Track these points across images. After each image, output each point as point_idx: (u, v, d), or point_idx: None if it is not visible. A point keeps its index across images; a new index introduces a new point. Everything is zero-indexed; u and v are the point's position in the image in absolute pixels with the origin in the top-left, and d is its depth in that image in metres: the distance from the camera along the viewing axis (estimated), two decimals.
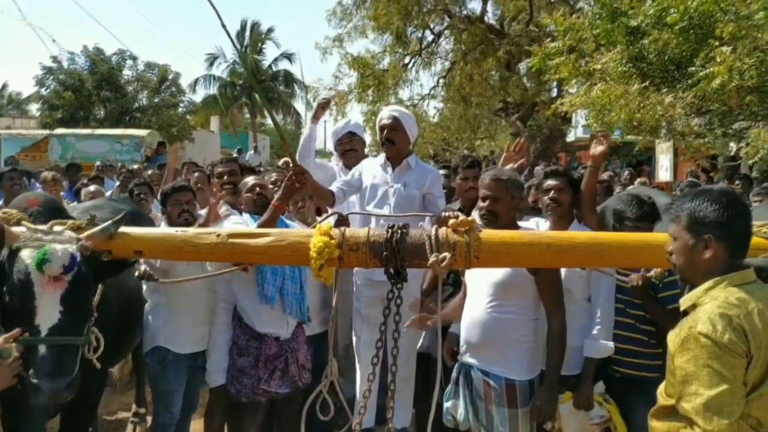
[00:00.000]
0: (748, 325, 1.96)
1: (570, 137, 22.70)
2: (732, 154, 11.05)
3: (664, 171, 14.30)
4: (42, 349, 2.56)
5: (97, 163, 12.12)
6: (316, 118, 5.19)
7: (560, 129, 19.39)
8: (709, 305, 2.04)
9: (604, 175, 10.57)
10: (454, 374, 3.49)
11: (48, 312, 2.60)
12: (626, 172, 11.91)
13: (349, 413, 3.65)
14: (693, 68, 7.18)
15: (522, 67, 19.35)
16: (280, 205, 3.71)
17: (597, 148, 3.81)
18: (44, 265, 2.57)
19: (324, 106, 5.32)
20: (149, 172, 8.56)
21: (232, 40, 3.47)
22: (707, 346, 1.95)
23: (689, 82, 7.38)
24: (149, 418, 4.95)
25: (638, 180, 10.33)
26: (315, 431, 4.10)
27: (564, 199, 3.65)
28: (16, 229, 2.80)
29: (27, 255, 2.63)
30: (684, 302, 2.18)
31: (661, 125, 8.46)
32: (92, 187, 6.87)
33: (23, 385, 2.53)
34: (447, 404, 3.47)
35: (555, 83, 15.41)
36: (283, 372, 3.92)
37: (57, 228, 2.82)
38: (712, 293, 2.08)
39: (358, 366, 4.34)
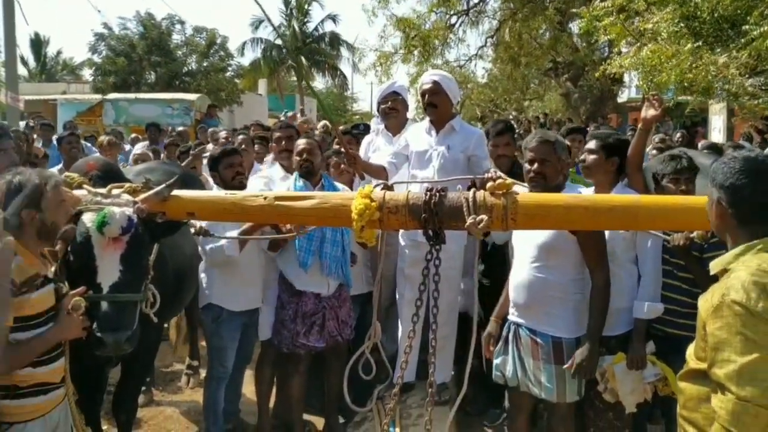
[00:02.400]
0: None
1: (622, 98, 22.16)
2: None
3: (717, 132, 13.92)
4: (104, 305, 2.76)
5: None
6: None
7: (611, 90, 18.95)
8: (742, 272, 2.03)
9: (656, 138, 10.35)
10: (503, 332, 3.61)
11: (108, 271, 2.80)
12: (678, 134, 11.62)
13: (390, 370, 3.81)
14: (747, 27, 6.94)
15: (572, 26, 18.88)
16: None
17: (648, 112, 3.74)
18: (104, 227, 2.75)
19: None
20: (190, 143, 8.73)
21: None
22: (740, 314, 1.95)
23: (743, 41, 7.14)
24: (202, 371, 5.21)
25: (702, 142, 10.04)
26: (359, 386, 4.29)
27: (594, 162, 3.65)
28: (77, 192, 2.99)
29: (88, 218, 2.81)
30: (714, 267, 2.19)
31: (714, 86, 8.22)
32: (139, 150, 7.13)
33: (88, 338, 2.73)
34: (496, 361, 3.61)
35: (606, 43, 15.02)
36: (321, 327, 4.10)
37: (115, 191, 2.99)
38: (743, 259, 2.08)
39: (400, 324, 4.48)
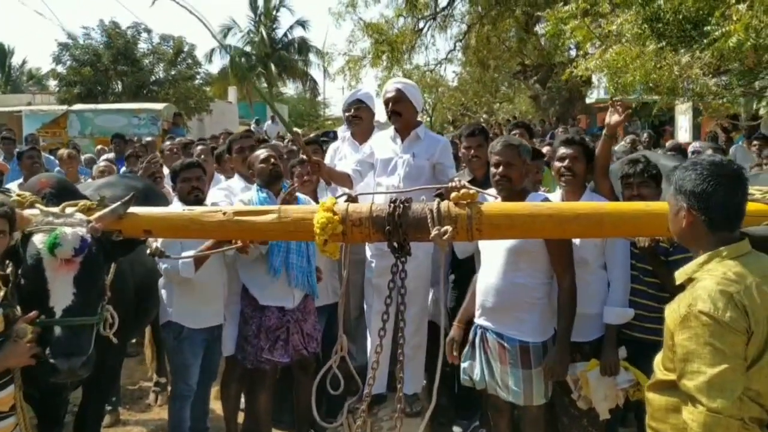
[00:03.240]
0: (748, 301, 1.95)
1: (591, 99, 22.38)
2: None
3: (683, 131, 14.11)
4: (57, 329, 2.65)
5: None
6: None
7: (580, 91, 19.12)
8: (708, 281, 2.01)
9: (627, 139, 10.43)
10: (470, 336, 3.60)
11: (61, 294, 2.68)
12: (645, 135, 11.73)
13: (360, 382, 3.74)
14: (709, 27, 7.01)
15: (540, 28, 19.01)
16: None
17: (612, 117, 3.75)
18: (55, 248, 2.64)
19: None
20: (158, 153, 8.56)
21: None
22: (708, 325, 1.94)
23: (706, 41, 7.22)
24: (170, 387, 5.09)
25: (669, 142, 10.12)
26: (330, 399, 4.23)
27: (578, 169, 3.59)
28: (29, 211, 2.88)
29: (39, 239, 2.70)
30: (679, 276, 2.17)
31: (678, 86, 8.30)
32: (103, 163, 6.96)
33: (41, 364, 2.62)
34: (464, 365, 3.60)
35: (573, 44, 15.14)
36: (285, 342, 4.02)
37: (68, 210, 2.89)
38: (707, 267, 2.07)
39: (369, 335, 4.42)
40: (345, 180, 4.28)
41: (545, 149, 5.61)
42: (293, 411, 4.52)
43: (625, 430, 4.16)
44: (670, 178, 2.21)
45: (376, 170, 4.41)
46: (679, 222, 2.15)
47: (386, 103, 4.40)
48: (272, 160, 4.14)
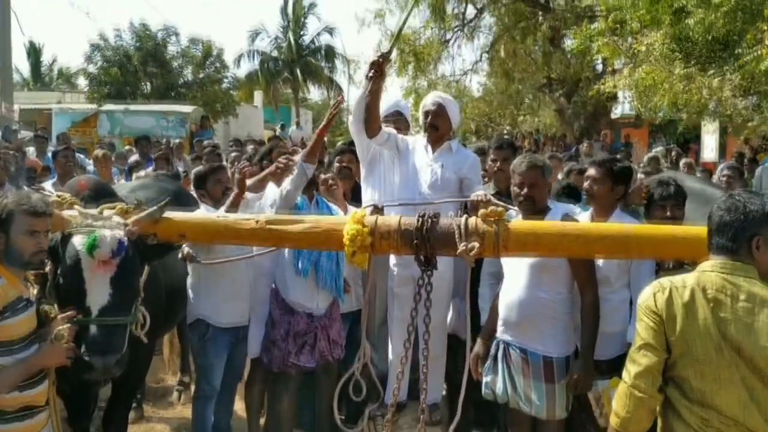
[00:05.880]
0: (668, 295, 2.22)
1: (616, 114, 22.25)
2: None
3: (709, 151, 14.04)
4: (93, 328, 2.76)
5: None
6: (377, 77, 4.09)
7: (605, 106, 19.03)
8: None
9: (645, 159, 10.39)
10: (492, 350, 3.62)
11: (98, 294, 2.79)
12: (674, 152, 11.67)
13: (381, 389, 3.78)
14: (740, 50, 7.00)
15: (567, 42, 18.97)
16: (322, 132, 4.10)
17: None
18: (94, 250, 2.75)
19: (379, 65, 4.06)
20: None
21: None
22: (638, 311, 2.32)
23: (737, 63, 7.20)
24: (194, 387, 5.18)
25: (683, 161, 10.11)
26: (350, 404, 4.28)
27: (598, 191, 3.62)
28: (68, 212, 2.99)
29: (78, 241, 2.81)
30: None
31: (707, 107, 8.27)
32: (143, 172, 7.11)
33: (76, 361, 2.72)
34: (486, 379, 3.63)
35: (600, 60, 15.10)
36: (312, 347, 4.08)
37: (106, 212, 2.99)
38: None
39: (390, 342, 4.47)
40: (375, 124, 4.19)
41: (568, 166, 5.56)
42: (312, 414, 4.58)
43: None
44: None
45: (403, 174, 4.40)
46: None
47: (425, 114, 4.46)
48: None
